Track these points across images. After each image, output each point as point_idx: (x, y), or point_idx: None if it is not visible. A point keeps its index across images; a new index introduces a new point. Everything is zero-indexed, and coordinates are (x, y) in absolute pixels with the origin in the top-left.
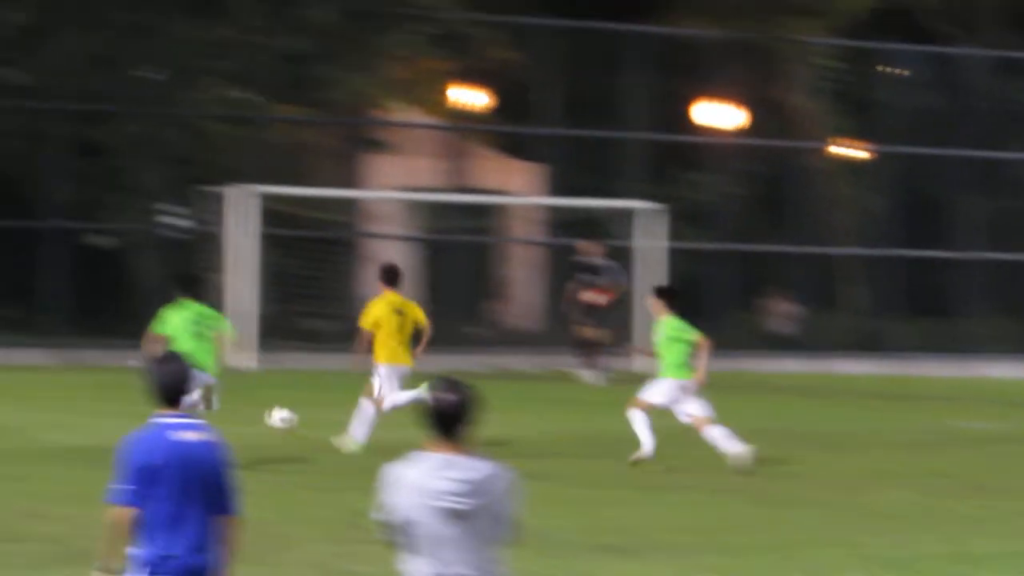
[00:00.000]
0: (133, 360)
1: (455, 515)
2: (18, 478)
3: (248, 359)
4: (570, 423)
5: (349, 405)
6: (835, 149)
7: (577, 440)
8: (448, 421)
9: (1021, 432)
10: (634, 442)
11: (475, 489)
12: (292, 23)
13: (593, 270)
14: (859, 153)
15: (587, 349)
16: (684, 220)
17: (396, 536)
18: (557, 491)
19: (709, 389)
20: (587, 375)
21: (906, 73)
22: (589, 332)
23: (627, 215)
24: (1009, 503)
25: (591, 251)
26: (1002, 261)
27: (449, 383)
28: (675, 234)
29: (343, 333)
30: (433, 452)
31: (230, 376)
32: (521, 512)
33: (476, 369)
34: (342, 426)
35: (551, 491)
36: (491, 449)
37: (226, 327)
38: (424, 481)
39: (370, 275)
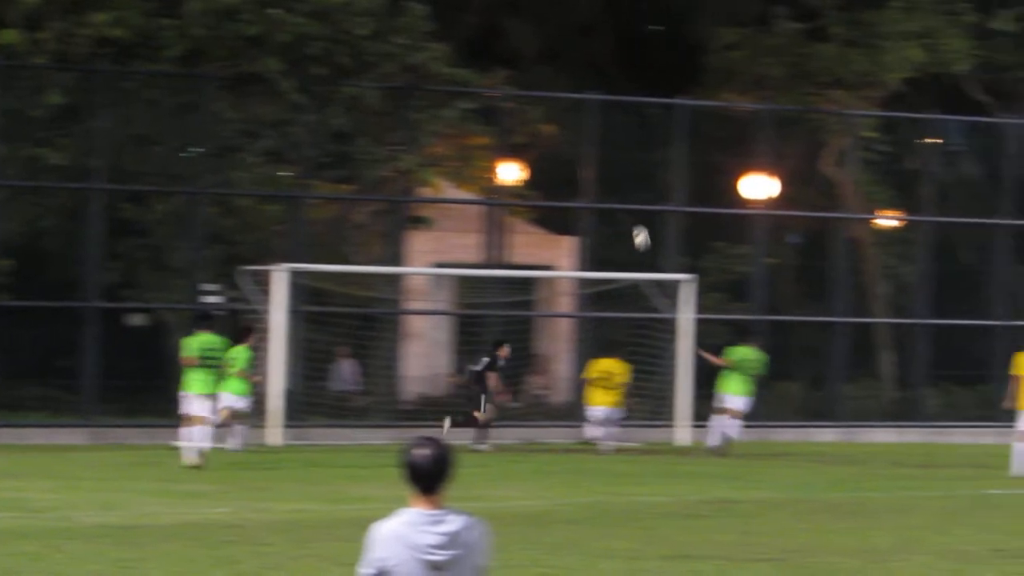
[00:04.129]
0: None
1: (435, 567)
2: (38, 557)
3: (275, 435)
4: (598, 494)
5: (379, 479)
6: (874, 219)
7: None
8: (427, 477)
9: None
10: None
11: (453, 541)
12: (331, 101)
13: None
14: (898, 223)
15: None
16: (721, 291)
17: None
18: (583, 561)
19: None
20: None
21: (941, 142)
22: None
23: (665, 287)
24: None
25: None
26: None
27: (426, 442)
28: (714, 306)
29: (381, 408)
30: (414, 507)
31: (259, 452)
32: (489, 562)
33: (512, 443)
34: (371, 501)
35: (575, 562)
36: (526, 518)
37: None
38: (407, 535)
39: (412, 350)
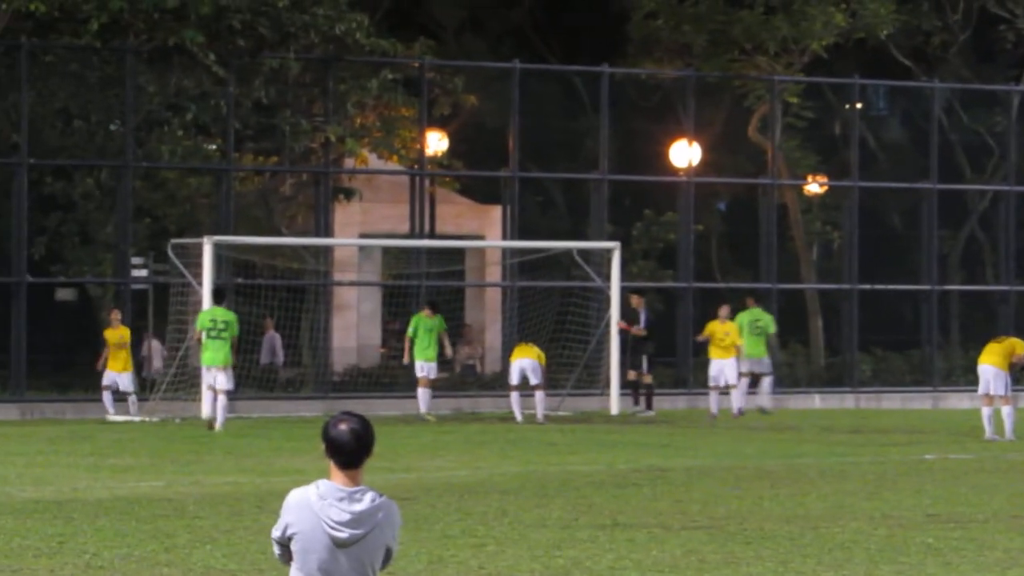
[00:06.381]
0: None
1: (338, 544)
2: None
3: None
4: (530, 464)
5: (308, 451)
6: (801, 185)
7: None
8: (346, 453)
9: (981, 462)
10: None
11: (358, 520)
12: (254, 73)
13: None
14: (824, 188)
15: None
16: (650, 259)
17: (287, 555)
18: (514, 531)
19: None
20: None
21: (864, 107)
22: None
23: (592, 256)
24: (964, 532)
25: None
26: (967, 292)
27: (347, 417)
28: (643, 274)
29: (311, 380)
30: (331, 480)
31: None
32: (397, 542)
33: (444, 412)
34: (303, 473)
35: (507, 532)
36: (458, 489)
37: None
38: (316, 507)
39: (341, 321)
